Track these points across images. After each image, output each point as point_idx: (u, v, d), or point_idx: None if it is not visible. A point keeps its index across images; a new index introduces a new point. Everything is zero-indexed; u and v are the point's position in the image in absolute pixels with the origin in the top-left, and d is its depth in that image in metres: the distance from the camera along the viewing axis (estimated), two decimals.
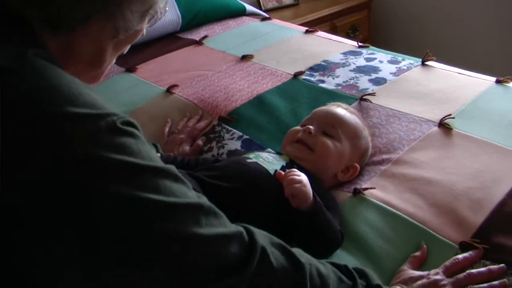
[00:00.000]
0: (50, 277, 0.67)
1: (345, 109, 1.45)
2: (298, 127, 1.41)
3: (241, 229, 0.79)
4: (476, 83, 1.75)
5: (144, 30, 0.90)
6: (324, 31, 2.54)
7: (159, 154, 1.35)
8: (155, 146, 1.41)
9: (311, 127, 1.35)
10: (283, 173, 1.16)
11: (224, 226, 0.78)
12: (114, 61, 0.93)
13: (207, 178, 1.18)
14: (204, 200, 0.78)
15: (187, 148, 1.58)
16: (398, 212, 1.24)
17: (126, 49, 0.93)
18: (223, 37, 2.40)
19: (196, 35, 2.43)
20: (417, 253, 1.14)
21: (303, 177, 1.15)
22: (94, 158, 0.67)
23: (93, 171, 0.67)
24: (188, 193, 0.76)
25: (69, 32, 0.80)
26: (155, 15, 0.88)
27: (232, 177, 1.19)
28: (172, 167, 0.77)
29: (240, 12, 2.67)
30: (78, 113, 0.68)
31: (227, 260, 0.75)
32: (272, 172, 1.23)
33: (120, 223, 0.68)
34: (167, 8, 0.91)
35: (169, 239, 0.71)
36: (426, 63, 1.91)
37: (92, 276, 0.68)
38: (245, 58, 2.11)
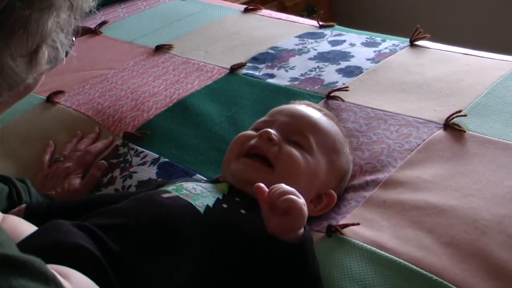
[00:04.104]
0: None
1: (319, 110, 1.41)
2: (250, 131, 1.36)
3: None
4: (491, 66, 1.76)
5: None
6: None
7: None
8: (24, 182, 1.39)
9: (271, 130, 1.28)
10: (262, 185, 1.09)
11: None
12: None
13: (102, 229, 1.09)
14: None
15: (77, 181, 1.53)
16: (397, 258, 1.18)
17: None
18: (129, 22, 2.42)
19: (90, 21, 2.40)
20: None
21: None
22: None
23: None
24: None
25: None
26: (56, 54, 0.82)
27: (140, 224, 1.12)
28: (36, 261, 0.70)
29: None
30: None
31: None
32: (202, 209, 1.16)
33: None
34: (74, 41, 0.85)
35: None
36: (416, 43, 1.93)
37: None
38: (160, 49, 2.11)
